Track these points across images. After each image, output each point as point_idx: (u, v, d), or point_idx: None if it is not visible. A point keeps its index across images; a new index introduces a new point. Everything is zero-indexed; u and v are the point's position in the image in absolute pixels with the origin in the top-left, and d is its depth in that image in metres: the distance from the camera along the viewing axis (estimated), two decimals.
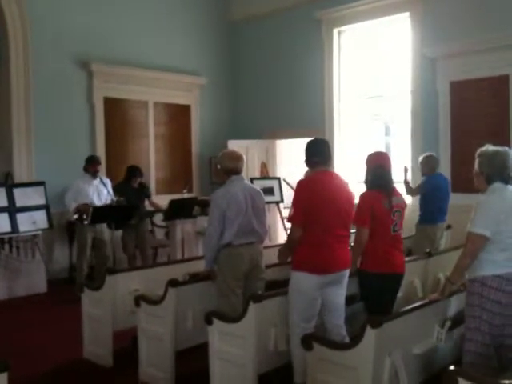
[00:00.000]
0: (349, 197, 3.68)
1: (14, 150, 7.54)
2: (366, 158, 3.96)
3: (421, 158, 5.93)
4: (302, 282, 3.52)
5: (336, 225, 3.56)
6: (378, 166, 3.84)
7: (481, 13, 7.05)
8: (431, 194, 5.62)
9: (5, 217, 6.53)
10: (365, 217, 3.69)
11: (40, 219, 6.83)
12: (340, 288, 3.66)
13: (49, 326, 5.62)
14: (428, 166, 5.80)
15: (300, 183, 3.68)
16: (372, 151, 4.09)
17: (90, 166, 6.77)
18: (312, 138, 3.89)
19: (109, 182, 7.00)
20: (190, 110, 9.54)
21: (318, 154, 3.69)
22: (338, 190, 3.62)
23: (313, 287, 3.52)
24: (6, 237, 6.74)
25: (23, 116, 7.58)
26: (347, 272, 3.67)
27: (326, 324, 3.69)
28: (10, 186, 6.84)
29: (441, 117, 7.42)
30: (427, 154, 5.98)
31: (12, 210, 6.61)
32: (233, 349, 3.59)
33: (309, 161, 3.73)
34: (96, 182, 6.79)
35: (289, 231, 3.74)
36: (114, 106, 8.47)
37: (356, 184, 7.24)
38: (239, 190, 4.03)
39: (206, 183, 9.50)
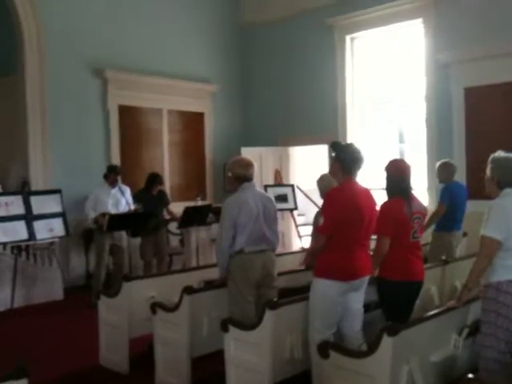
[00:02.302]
0: (372, 206, 3.69)
1: (31, 158, 7.64)
2: (386, 165, 3.94)
3: (438, 165, 5.87)
4: (326, 288, 3.53)
5: (360, 233, 3.58)
6: (398, 174, 3.82)
7: (494, 18, 7.03)
8: (448, 202, 5.57)
9: (22, 224, 6.59)
10: (387, 226, 3.68)
11: (57, 227, 6.88)
12: (360, 294, 3.68)
13: (65, 333, 5.67)
14: (445, 173, 5.73)
15: (332, 193, 3.67)
16: (392, 159, 4.06)
17: (110, 176, 6.80)
18: (348, 142, 3.83)
19: (128, 190, 7.02)
20: (203, 117, 9.60)
21: (356, 163, 3.63)
22: (364, 199, 3.63)
23: (337, 294, 3.53)
24: (24, 244, 6.82)
25: (39, 124, 7.67)
26: (367, 278, 3.68)
27: (344, 330, 3.69)
28: (26, 193, 6.91)
29: (455, 123, 7.39)
30: (444, 160, 5.88)
31: (29, 217, 6.67)
32: (249, 356, 3.59)
33: (344, 168, 3.63)
34: (114, 190, 6.82)
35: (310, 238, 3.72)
36: (128, 114, 8.54)
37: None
38: (250, 197, 4.04)
39: (219, 190, 9.52)
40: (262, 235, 4.05)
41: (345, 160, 3.62)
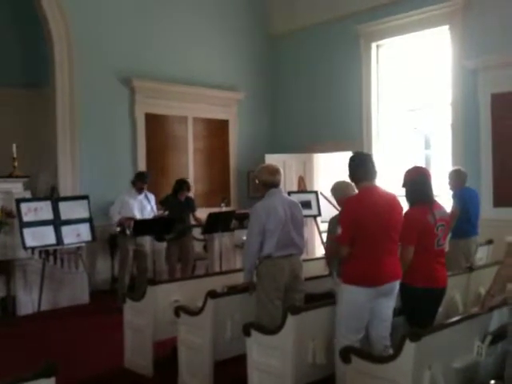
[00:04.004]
0: (395, 210, 3.67)
1: (59, 165, 7.82)
2: (404, 174, 3.94)
3: (450, 172, 5.89)
4: (353, 294, 3.53)
5: (384, 239, 3.57)
6: (417, 181, 3.82)
7: None
8: (462, 208, 5.56)
9: (50, 229, 6.73)
10: (410, 235, 3.67)
11: (84, 232, 7.00)
12: (390, 299, 3.66)
13: (91, 336, 5.76)
14: (458, 181, 5.77)
15: (347, 202, 3.71)
16: (410, 167, 4.06)
17: (137, 183, 6.89)
18: (355, 152, 3.87)
19: (153, 198, 7.11)
20: (228, 124, 9.68)
21: (363, 168, 3.66)
22: (384, 204, 3.61)
23: (364, 300, 3.53)
24: (51, 249, 6.95)
25: (68, 133, 7.85)
26: (397, 284, 3.66)
27: (371, 335, 3.68)
28: (55, 199, 7.05)
29: (482, 129, 7.31)
30: (456, 167, 5.99)
31: (57, 222, 6.80)
32: (271, 360, 3.61)
33: (353, 176, 3.71)
34: (141, 197, 6.93)
35: (326, 245, 3.75)
36: (154, 122, 8.67)
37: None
38: (278, 203, 4.09)
39: (243, 197, 9.58)
40: (290, 240, 4.10)
41: (352, 168, 3.69)
